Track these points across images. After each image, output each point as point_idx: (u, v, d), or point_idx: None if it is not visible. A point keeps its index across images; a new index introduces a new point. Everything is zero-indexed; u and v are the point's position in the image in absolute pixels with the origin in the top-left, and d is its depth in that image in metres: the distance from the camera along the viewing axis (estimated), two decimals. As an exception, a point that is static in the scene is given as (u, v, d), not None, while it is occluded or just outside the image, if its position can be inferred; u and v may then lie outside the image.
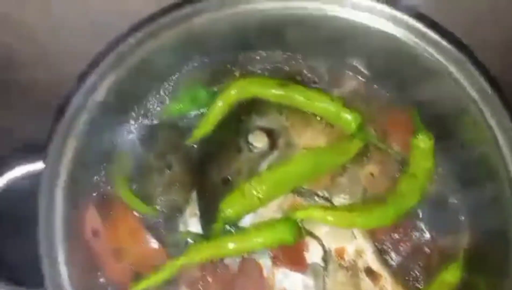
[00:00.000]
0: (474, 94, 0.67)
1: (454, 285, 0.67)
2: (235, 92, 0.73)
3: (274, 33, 0.75)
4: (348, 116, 0.72)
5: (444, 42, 0.68)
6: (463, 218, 0.73)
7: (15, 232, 0.68)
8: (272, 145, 0.74)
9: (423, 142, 0.71)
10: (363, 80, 0.78)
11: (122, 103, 0.71)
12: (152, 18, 0.68)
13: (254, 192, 0.66)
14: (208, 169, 0.73)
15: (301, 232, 0.65)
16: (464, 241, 0.71)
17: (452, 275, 0.68)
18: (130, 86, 0.70)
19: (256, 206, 0.67)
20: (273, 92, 0.73)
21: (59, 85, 0.69)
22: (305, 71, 0.79)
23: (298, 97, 0.73)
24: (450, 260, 0.70)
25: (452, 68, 0.68)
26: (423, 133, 0.72)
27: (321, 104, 0.73)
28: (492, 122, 0.65)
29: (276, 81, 0.74)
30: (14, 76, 0.80)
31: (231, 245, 0.64)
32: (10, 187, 0.65)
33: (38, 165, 0.64)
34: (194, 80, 0.76)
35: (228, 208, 0.66)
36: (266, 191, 0.67)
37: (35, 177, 0.63)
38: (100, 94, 0.66)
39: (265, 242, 0.64)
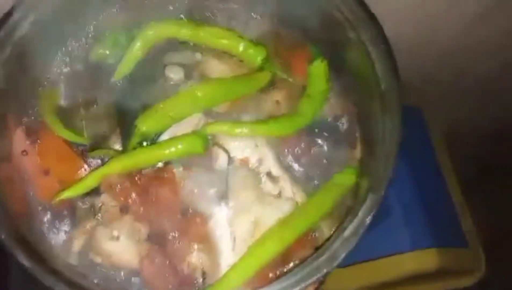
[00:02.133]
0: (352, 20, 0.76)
1: (347, 187, 0.75)
2: (152, 33, 0.81)
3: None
4: (253, 50, 0.81)
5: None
6: (356, 134, 0.82)
7: None
8: (187, 78, 0.82)
9: (318, 67, 0.81)
10: (265, 21, 0.87)
11: (47, 42, 0.78)
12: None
13: (166, 110, 0.74)
14: (130, 100, 0.80)
15: (208, 143, 0.73)
16: (358, 152, 0.80)
17: (346, 177, 0.76)
18: (54, 27, 0.77)
19: (168, 123, 0.75)
20: (186, 32, 0.82)
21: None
22: (219, 16, 0.88)
23: (209, 36, 0.82)
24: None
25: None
26: (317, 59, 0.81)
27: (229, 41, 0.82)
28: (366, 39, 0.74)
29: (190, 22, 0.83)
30: None
31: (145, 154, 0.71)
32: None
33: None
34: (115, 24, 0.84)
35: (143, 124, 0.73)
36: (176, 109, 0.75)
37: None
38: (23, 30, 0.73)
39: (176, 152, 0.72)
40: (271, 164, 0.76)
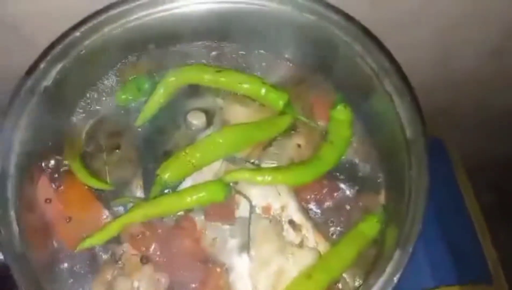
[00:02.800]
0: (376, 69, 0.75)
1: (371, 237, 0.73)
2: (174, 79, 0.81)
3: (211, 25, 0.83)
4: (275, 95, 0.80)
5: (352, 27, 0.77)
6: (380, 180, 0.79)
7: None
8: (209, 123, 0.81)
9: (341, 113, 0.80)
10: (290, 65, 0.86)
11: (71, 89, 0.78)
12: (96, 13, 0.77)
13: (188, 158, 0.73)
14: (152, 145, 0.80)
15: (230, 191, 0.72)
16: (382, 198, 0.78)
17: (369, 227, 0.74)
18: (78, 74, 0.77)
19: (190, 171, 0.74)
20: (208, 77, 0.82)
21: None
22: (239, 60, 0.88)
23: (231, 81, 0.82)
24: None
25: (358, 48, 0.77)
26: (341, 105, 0.80)
27: (251, 86, 0.81)
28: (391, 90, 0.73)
29: (211, 68, 0.83)
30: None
31: (167, 203, 0.71)
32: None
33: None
34: (138, 69, 0.84)
35: (165, 172, 0.73)
36: (198, 157, 0.74)
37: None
38: (48, 80, 0.73)
39: (198, 200, 0.71)
40: (293, 211, 0.74)
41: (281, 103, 0.81)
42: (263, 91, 0.81)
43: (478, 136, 1.41)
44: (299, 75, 0.87)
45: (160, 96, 0.81)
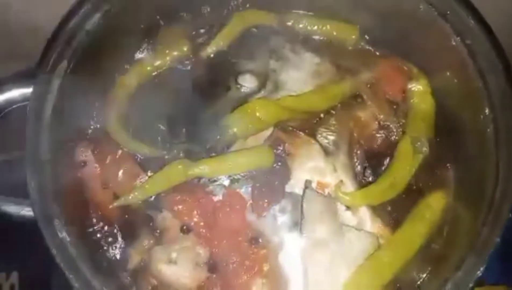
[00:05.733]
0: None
1: (437, 211, 0.64)
2: (247, 14, 0.75)
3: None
4: (346, 28, 0.74)
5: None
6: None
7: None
8: (261, 86, 0.71)
9: (421, 84, 0.69)
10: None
11: (115, 40, 0.69)
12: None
13: (257, 114, 0.64)
14: (199, 105, 0.70)
15: (273, 157, 0.63)
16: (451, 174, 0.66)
17: (436, 200, 0.64)
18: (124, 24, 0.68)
19: (256, 127, 0.65)
20: (277, 17, 0.75)
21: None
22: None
23: (299, 23, 0.75)
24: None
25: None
26: (419, 76, 0.69)
27: (320, 24, 0.75)
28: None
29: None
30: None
31: (210, 165, 0.61)
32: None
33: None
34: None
35: (233, 125, 0.64)
36: (264, 113, 0.65)
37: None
38: (93, 22, 0.64)
39: (246, 163, 0.63)
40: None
41: (353, 36, 0.73)
42: (332, 25, 0.74)
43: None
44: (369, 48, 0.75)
45: (232, 27, 0.73)
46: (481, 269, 0.53)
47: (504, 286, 1.05)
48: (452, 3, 0.63)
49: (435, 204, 0.65)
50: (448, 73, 0.66)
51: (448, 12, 0.63)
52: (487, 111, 0.58)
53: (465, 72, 0.62)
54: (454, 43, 0.63)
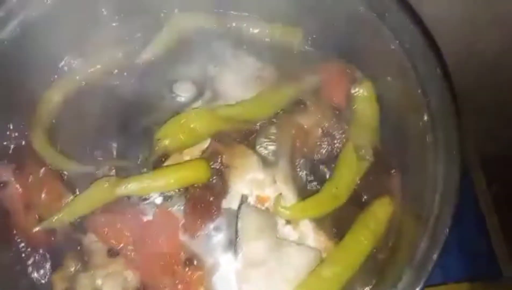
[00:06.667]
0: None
1: (382, 220, 0.61)
2: (181, 19, 0.70)
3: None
4: (290, 32, 0.71)
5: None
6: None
7: None
8: (198, 95, 0.66)
9: (365, 88, 0.66)
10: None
11: (37, 49, 0.63)
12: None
13: (192, 125, 0.59)
14: (131, 116, 0.65)
15: (210, 172, 0.58)
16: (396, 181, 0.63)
17: (381, 208, 0.61)
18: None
19: (190, 139, 0.61)
20: (215, 20, 0.71)
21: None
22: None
23: (239, 25, 0.71)
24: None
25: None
26: (362, 80, 0.66)
27: (261, 28, 0.71)
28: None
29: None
30: None
31: (139, 183, 0.56)
32: None
33: None
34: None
35: (165, 138, 0.59)
36: (199, 124, 0.61)
37: None
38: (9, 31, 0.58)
39: (180, 179, 0.58)
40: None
41: (297, 39, 0.70)
42: (275, 29, 0.70)
43: (495, 124, 1.24)
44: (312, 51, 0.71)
45: (169, 31, 0.69)
46: (419, 287, 0.50)
47: (466, 284, 1.04)
48: (390, 5, 0.60)
49: (380, 212, 0.62)
50: (389, 78, 0.63)
51: (386, 14, 0.60)
52: (425, 118, 0.56)
53: (405, 77, 0.59)
54: (393, 47, 0.59)
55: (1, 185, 0.59)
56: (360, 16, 0.63)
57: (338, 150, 0.65)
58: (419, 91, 0.57)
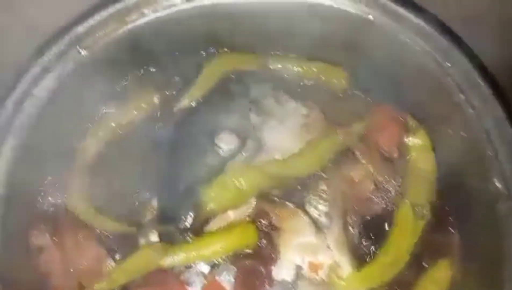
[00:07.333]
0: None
1: (444, 283, 0.57)
2: (223, 60, 0.66)
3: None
4: (334, 70, 0.66)
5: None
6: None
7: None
8: (240, 147, 0.61)
9: (419, 138, 0.61)
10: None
11: (71, 104, 0.59)
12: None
13: (238, 184, 0.56)
14: (171, 170, 0.61)
15: (257, 235, 0.55)
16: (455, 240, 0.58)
17: (440, 272, 0.57)
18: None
19: (238, 200, 0.57)
20: (257, 61, 0.67)
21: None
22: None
23: (281, 64, 0.67)
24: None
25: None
26: (417, 129, 0.62)
27: (307, 62, 0.67)
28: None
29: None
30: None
31: (187, 252, 0.53)
32: None
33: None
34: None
35: (211, 201, 0.56)
36: (245, 184, 0.57)
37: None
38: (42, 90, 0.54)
39: (224, 248, 0.54)
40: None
41: (342, 80, 0.65)
42: (323, 66, 0.66)
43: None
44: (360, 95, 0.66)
45: (209, 75, 0.65)
46: None
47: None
48: (455, 54, 0.54)
49: (439, 277, 0.57)
50: (450, 131, 0.58)
51: (449, 65, 0.54)
52: (497, 184, 0.50)
53: (472, 135, 0.54)
54: (458, 100, 0.54)
55: (39, 250, 0.56)
56: (419, 62, 0.58)
57: (392, 205, 0.61)
58: (490, 153, 0.51)
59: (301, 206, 0.58)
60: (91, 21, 0.58)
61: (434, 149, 0.61)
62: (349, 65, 0.65)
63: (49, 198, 0.58)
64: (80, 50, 0.59)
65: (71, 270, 0.56)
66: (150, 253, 0.53)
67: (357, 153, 0.63)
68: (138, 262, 0.54)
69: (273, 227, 0.56)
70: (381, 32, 0.57)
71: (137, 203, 0.60)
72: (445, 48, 0.54)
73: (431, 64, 0.56)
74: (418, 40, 0.55)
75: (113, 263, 0.56)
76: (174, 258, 0.53)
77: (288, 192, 0.59)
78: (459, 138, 0.56)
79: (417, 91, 0.61)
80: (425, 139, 0.62)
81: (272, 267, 0.54)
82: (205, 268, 0.55)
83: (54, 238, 0.56)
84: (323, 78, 0.67)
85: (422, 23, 0.55)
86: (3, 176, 0.53)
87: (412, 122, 0.63)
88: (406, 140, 0.62)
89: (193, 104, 0.65)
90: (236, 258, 0.55)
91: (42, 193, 0.58)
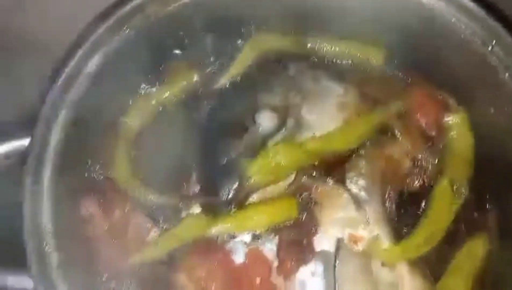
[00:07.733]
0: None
1: (478, 260, 0.57)
2: (261, 39, 0.67)
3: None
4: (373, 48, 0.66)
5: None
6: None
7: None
8: (281, 124, 0.63)
9: (459, 117, 0.61)
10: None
11: (116, 81, 0.61)
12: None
13: (280, 160, 0.58)
14: (213, 146, 0.62)
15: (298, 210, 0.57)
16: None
17: (476, 247, 0.58)
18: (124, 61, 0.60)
19: (279, 175, 0.59)
20: (295, 40, 0.67)
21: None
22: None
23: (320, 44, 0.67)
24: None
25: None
26: (456, 108, 0.62)
27: (344, 41, 0.67)
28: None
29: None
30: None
31: (232, 222, 0.55)
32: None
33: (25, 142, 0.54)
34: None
35: (255, 174, 0.58)
36: (287, 159, 0.59)
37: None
38: (92, 66, 0.56)
39: (267, 220, 0.56)
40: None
41: (380, 59, 0.66)
42: (356, 48, 0.66)
43: None
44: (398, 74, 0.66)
45: (247, 54, 0.66)
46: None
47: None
48: (500, 32, 0.54)
49: (475, 251, 0.58)
50: (492, 109, 0.58)
51: (494, 42, 0.55)
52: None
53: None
54: (503, 78, 0.54)
55: (89, 219, 0.59)
56: (459, 39, 0.58)
57: (431, 183, 0.61)
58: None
59: (341, 182, 0.59)
60: (137, 1, 0.60)
61: (473, 127, 0.61)
62: (387, 43, 0.66)
63: (97, 169, 0.61)
64: (126, 29, 0.61)
65: (118, 238, 0.59)
66: (195, 221, 0.55)
67: (396, 131, 0.64)
68: (183, 231, 0.56)
69: (314, 202, 0.58)
70: (424, 10, 0.57)
71: (179, 176, 0.62)
72: (491, 26, 0.54)
73: (476, 42, 0.56)
74: (463, 18, 0.55)
75: (158, 233, 0.58)
76: (218, 228, 0.55)
77: (327, 169, 0.60)
78: (502, 116, 0.57)
79: (459, 69, 0.61)
80: (465, 118, 0.62)
81: (314, 238, 0.56)
82: (247, 238, 0.57)
83: (102, 208, 0.59)
84: (361, 56, 0.68)
85: (467, 1, 0.55)
86: (57, 147, 0.55)
87: (450, 101, 0.63)
88: (445, 118, 0.63)
89: (232, 82, 0.67)
90: (278, 229, 0.56)
91: (90, 165, 0.61)
